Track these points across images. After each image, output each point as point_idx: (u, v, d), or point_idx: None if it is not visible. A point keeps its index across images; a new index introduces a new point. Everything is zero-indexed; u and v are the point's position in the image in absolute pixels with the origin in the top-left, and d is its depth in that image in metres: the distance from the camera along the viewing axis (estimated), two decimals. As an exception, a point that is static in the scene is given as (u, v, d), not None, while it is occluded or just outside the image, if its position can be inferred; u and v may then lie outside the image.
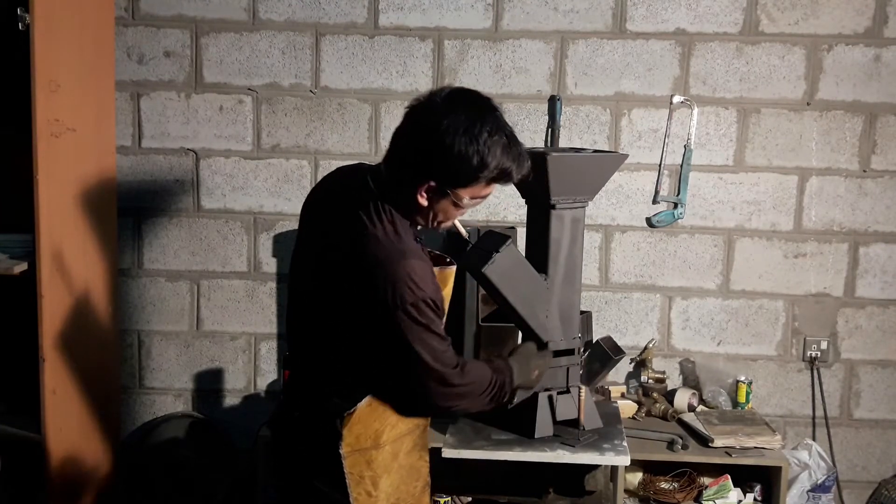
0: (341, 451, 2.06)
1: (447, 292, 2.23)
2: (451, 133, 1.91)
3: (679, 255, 3.56)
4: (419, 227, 2.11)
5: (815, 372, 3.57)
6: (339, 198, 2.08)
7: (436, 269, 2.11)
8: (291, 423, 2.15)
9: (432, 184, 1.95)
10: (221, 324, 3.70)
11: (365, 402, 2.06)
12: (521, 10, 3.49)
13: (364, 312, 1.96)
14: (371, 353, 2.01)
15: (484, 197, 2.03)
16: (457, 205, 2.00)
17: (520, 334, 3.11)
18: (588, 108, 3.52)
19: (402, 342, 1.95)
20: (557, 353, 2.76)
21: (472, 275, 2.77)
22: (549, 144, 2.94)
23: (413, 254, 1.96)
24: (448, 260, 2.30)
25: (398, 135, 2.02)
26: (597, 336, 3.20)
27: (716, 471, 3.17)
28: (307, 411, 2.11)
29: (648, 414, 3.36)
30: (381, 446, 2.11)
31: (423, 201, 1.98)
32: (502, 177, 1.98)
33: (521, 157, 1.99)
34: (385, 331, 1.95)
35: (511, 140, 1.98)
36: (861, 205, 3.51)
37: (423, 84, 3.52)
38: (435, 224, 2.07)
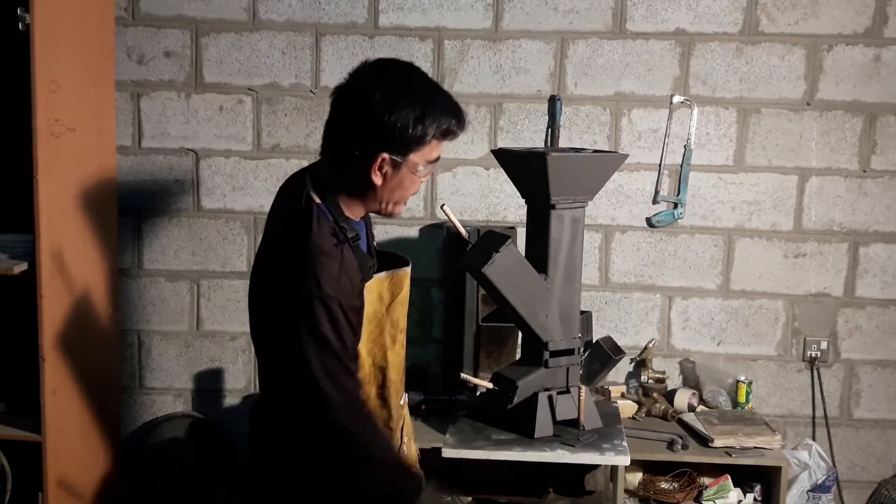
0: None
1: (404, 294, 2.14)
2: (387, 100, 1.89)
3: (679, 255, 3.56)
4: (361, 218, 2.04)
5: (815, 372, 3.57)
6: (278, 205, 2.07)
7: (385, 273, 2.06)
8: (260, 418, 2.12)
9: (385, 156, 1.91)
10: (221, 324, 3.70)
11: None
12: (521, 10, 3.49)
13: (277, 314, 1.90)
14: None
15: (435, 161, 1.99)
16: (413, 174, 1.95)
17: (520, 334, 3.11)
18: (588, 108, 3.52)
19: (294, 335, 1.87)
20: (557, 353, 2.76)
21: (472, 275, 2.78)
22: (549, 144, 2.94)
23: (322, 252, 1.88)
24: (405, 261, 2.20)
25: (333, 123, 1.98)
26: (597, 336, 3.20)
27: (716, 471, 3.17)
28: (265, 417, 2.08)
29: (648, 414, 3.36)
30: None
31: (378, 179, 1.93)
32: (448, 132, 1.96)
33: (458, 108, 1.98)
34: (285, 327, 1.88)
35: (445, 94, 1.98)
36: (861, 205, 3.51)
37: (423, 84, 3.52)
38: (391, 206, 2.01)
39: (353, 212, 2.01)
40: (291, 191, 2.03)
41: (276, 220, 2.07)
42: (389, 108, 1.88)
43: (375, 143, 1.90)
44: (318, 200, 1.95)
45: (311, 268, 1.86)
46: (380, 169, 1.92)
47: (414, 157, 1.93)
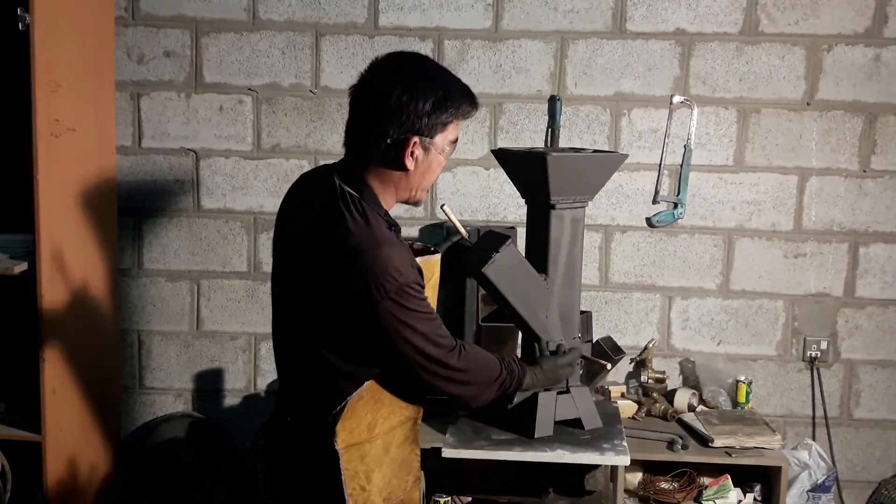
0: (337, 448, 2.05)
1: (435, 280, 2.24)
2: (410, 89, 1.99)
3: (679, 255, 3.56)
4: (388, 210, 2.11)
5: (815, 372, 3.57)
6: (309, 202, 2.10)
7: (421, 259, 2.11)
8: (284, 428, 2.14)
9: (416, 140, 2.01)
10: (221, 324, 3.70)
11: (355, 396, 2.06)
12: (521, 10, 3.49)
13: (347, 306, 1.96)
14: (359, 347, 2.02)
15: (455, 142, 2.10)
16: (440, 154, 2.06)
17: (520, 334, 3.11)
18: (588, 108, 3.52)
19: (392, 332, 1.96)
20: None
21: (472, 275, 2.77)
22: (549, 144, 2.94)
23: (388, 241, 1.98)
24: (432, 249, 2.31)
25: (358, 121, 2.06)
26: (597, 336, 3.20)
27: (716, 471, 3.17)
28: (298, 414, 2.11)
29: (648, 414, 3.36)
30: (374, 439, 2.12)
31: (411, 164, 2.03)
32: (466, 112, 2.08)
33: (469, 89, 2.10)
34: (372, 323, 1.95)
35: (455, 77, 2.10)
36: (861, 205, 3.51)
37: (423, 84, 3.52)
38: (419, 193, 2.11)
39: (388, 204, 2.10)
40: (323, 188, 2.07)
41: (309, 217, 2.08)
42: (414, 97, 1.99)
43: (405, 130, 2.00)
44: (357, 196, 2.03)
45: (385, 259, 1.94)
46: (412, 154, 2.02)
47: (439, 138, 2.05)
